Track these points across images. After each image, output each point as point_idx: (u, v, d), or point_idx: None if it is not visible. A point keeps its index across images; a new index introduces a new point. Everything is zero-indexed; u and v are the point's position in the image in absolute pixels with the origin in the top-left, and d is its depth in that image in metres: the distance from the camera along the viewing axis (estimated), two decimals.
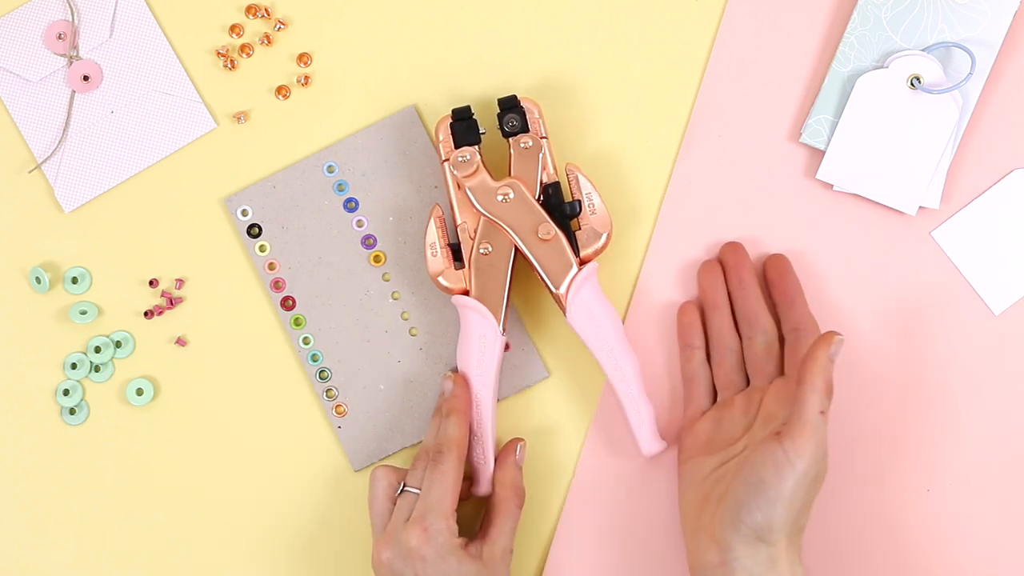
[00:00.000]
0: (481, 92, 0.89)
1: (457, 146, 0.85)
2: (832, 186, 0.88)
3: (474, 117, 0.85)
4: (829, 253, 0.88)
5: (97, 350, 0.89)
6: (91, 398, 0.89)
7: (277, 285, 0.89)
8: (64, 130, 0.90)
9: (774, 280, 0.86)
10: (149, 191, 0.90)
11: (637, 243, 0.89)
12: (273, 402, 0.89)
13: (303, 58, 0.90)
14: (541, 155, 0.85)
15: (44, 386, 0.90)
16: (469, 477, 0.85)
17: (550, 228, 0.83)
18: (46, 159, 0.90)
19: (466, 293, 0.84)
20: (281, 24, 0.90)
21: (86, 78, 0.90)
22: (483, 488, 0.84)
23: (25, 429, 0.89)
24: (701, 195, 0.88)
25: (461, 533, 0.81)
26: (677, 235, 0.88)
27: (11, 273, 0.90)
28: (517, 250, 0.84)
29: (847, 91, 0.87)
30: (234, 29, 0.90)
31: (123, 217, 0.90)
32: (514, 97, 0.85)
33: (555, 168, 0.85)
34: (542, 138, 0.85)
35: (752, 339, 0.84)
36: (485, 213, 0.84)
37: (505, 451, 0.85)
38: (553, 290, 0.83)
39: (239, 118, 0.90)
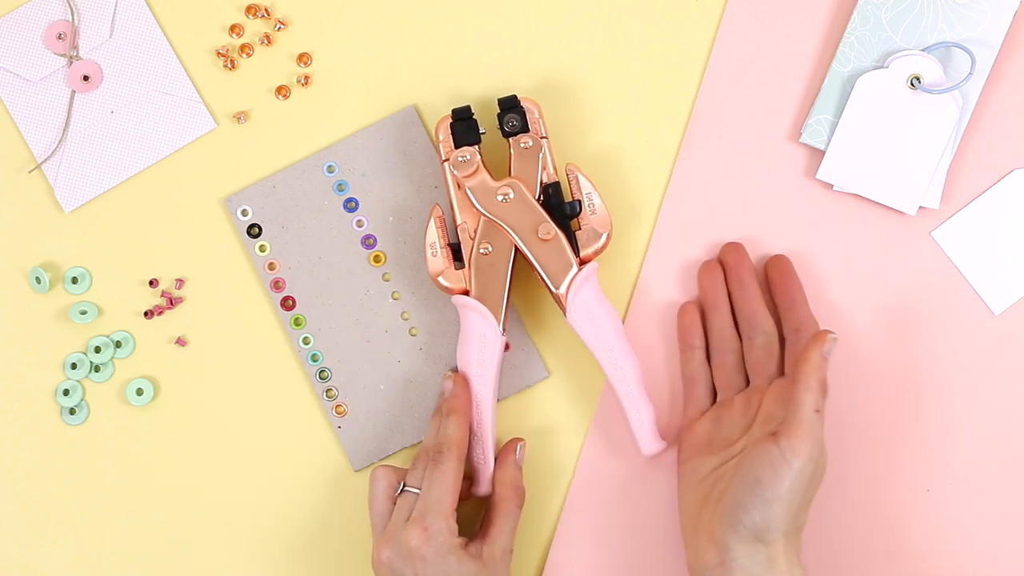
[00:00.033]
0: (481, 92, 0.89)
1: (457, 146, 0.85)
2: (832, 186, 0.88)
3: (474, 117, 0.85)
4: (829, 253, 0.88)
5: (97, 350, 0.89)
6: (91, 398, 0.89)
7: (277, 285, 0.89)
8: (64, 130, 0.90)
9: (775, 281, 0.86)
10: (149, 191, 0.90)
11: (637, 243, 0.89)
12: (273, 402, 0.89)
13: (303, 58, 0.90)
14: (541, 155, 0.85)
15: (44, 386, 0.90)
16: (469, 477, 0.85)
17: (550, 228, 0.83)
18: (46, 159, 0.90)
19: (466, 293, 0.84)
20: (281, 24, 0.90)
21: (86, 78, 0.90)
22: (483, 488, 0.84)
23: (25, 429, 0.89)
24: (701, 195, 0.88)
25: (461, 533, 0.81)
26: (677, 235, 0.88)
27: (11, 273, 0.90)
28: (517, 250, 0.84)
29: (847, 91, 0.87)
30: (234, 29, 0.90)
31: (123, 217, 0.90)
32: (514, 97, 0.85)
33: (555, 168, 0.85)
34: (542, 138, 0.85)
35: (752, 339, 0.84)
36: (485, 213, 0.84)
37: (505, 451, 0.85)
38: (553, 290, 0.83)
39: (239, 118, 0.90)
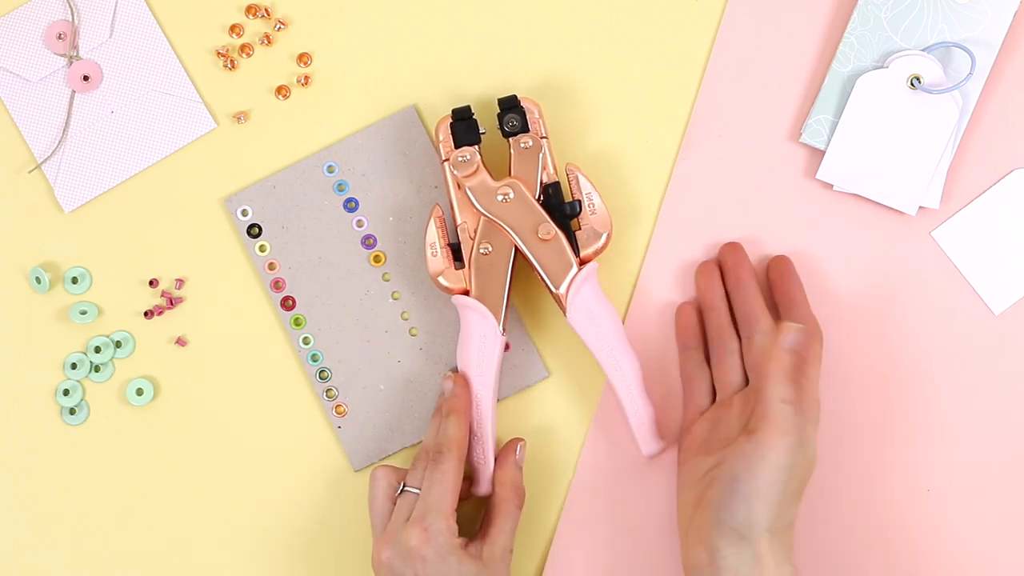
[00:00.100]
0: (481, 92, 0.89)
1: (457, 146, 0.85)
2: (832, 186, 0.88)
3: (474, 117, 0.85)
4: (829, 253, 0.88)
5: (97, 350, 0.89)
6: (91, 398, 0.89)
7: (277, 285, 0.89)
8: (64, 130, 0.90)
9: (775, 280, 0.86)
10: (149, 191, 0.90)
11: (637, 243, 0.89)
12: (273, 402, 0.89)
13: (303, 58, 0.90)
14: (541, 155, 0.85)
15: (44, 386, 0.90)
16: (469, 477, 0.85)
17: (550, 228, 0.83)
18: (46, 159, 0.90)
19: (466, 293, 0.84)
20: (281, 24, 0.90)
21: (86, 78, 0.90)
22: (483, 488, 0.84)
23: (25, 429, 0.89)
24: (701, 195, 0.88)
25: (461, 533, 0.81)
26: (677, 235, 0.88)
27: (11, 273, 0.90)
28: (517, 250, 0.84)
29: (847, 91, 0.87)
30: (234, 29, 0.90)
31: (123, 217, 0.90)
32: (514, 97, 0.85)
33: (555, 168, 0.85)
34: (542, 138, 0.85)
35: (751, 339, 0.84)
36: (485, 213, 0.84)
37: (505, 451, 0.85)
38: (553, 290, 0.83)
39: (239, 118, 0.90)
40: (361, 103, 0.90)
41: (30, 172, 0.90)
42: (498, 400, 0.87)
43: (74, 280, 0.89)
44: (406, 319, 0.88)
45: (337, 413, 0.88)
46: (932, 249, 0.88)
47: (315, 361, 0.88)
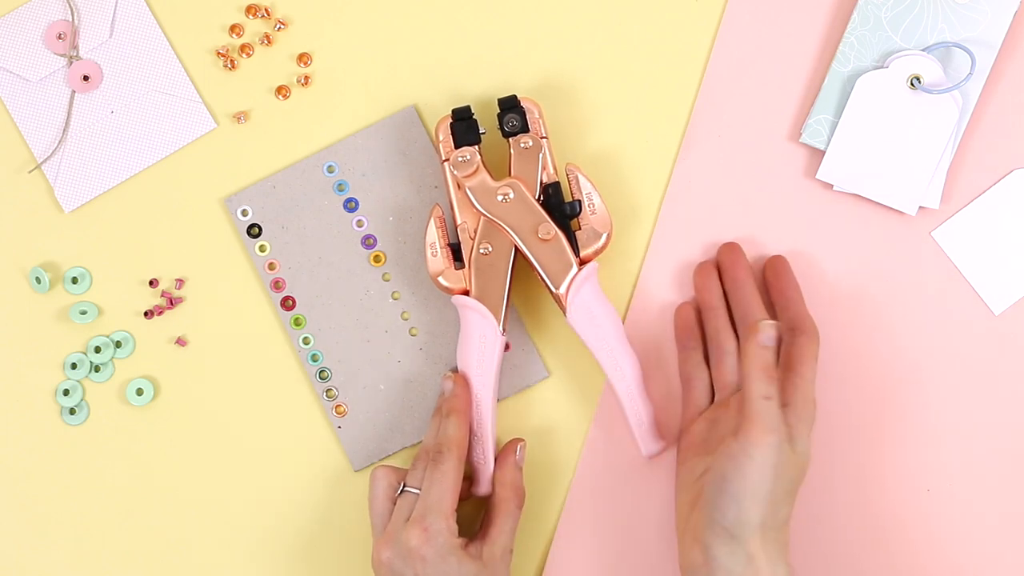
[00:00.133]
0: (481, 92, 0.89)
1: (457, 146, 0.85)
2: (832, 186, 0.88)
3: (474, 117, 0.85)
4: (829, 253, 0.88)
5: (97, 350, 0.89)
6: (91, 398, 0.89)
7: (277, 285, 0.89)
8: (64, 130, 0.90)
9: (771, 281, 0.86)
10: (149, 191, 0.90)
11: (637, 243, 0.89)
12: (273, 402, 0.89)
13: (303, 58, 0.90)
14: (541, 155, 0.85)
15: (44, 386, 0.90)
16: (469, 477, 0.85)
17: (550, 228, 0.83)
18: (46, 159, 0.90)
19: (466, 293, 0.84)
20: (281, 24, 0.90)
21: (86, 78, 0.90)
22: (483, 488, 0.84)
23: (25, 429, 0.89)
24: (701, 195, 0.88)
25: (461, 533, 0.81)
26: (677, 235, 0.88)
27: (11, 273, 0.90)
28: (517, 250, 0.84)
29: (847, 91, 0.87)
30: (234, 29, 0.90)
31: (123, 217, 0.90)
32: (514, 97, 0.85)
33: (555, 168, 0.85)
34: (542, 138, 0.85)
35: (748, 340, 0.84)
36: (485, 213, 0.84)
37: (505, 451, 0.85)
38: (553, 290, 0.83)
39: (239, 118, 0.90)
40: (361, 103, 0.90)
41: (30, 172, 0.90)
42: (498, 400, 0.87)
43: (74, 280, 0.89)
44: (406, 319, 0.88)
45: (337, 413, 0.88)
46: (932, 249, 0.88)
47: (315, 361, 0.88)
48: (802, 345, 0.82)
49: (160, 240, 0.90)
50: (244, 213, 0.89)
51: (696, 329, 0.86)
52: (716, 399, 0.85)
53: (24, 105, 0.90)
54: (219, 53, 0.90)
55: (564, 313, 0.83)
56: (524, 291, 0.88)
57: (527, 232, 0.84)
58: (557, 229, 0.83)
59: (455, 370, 0.86)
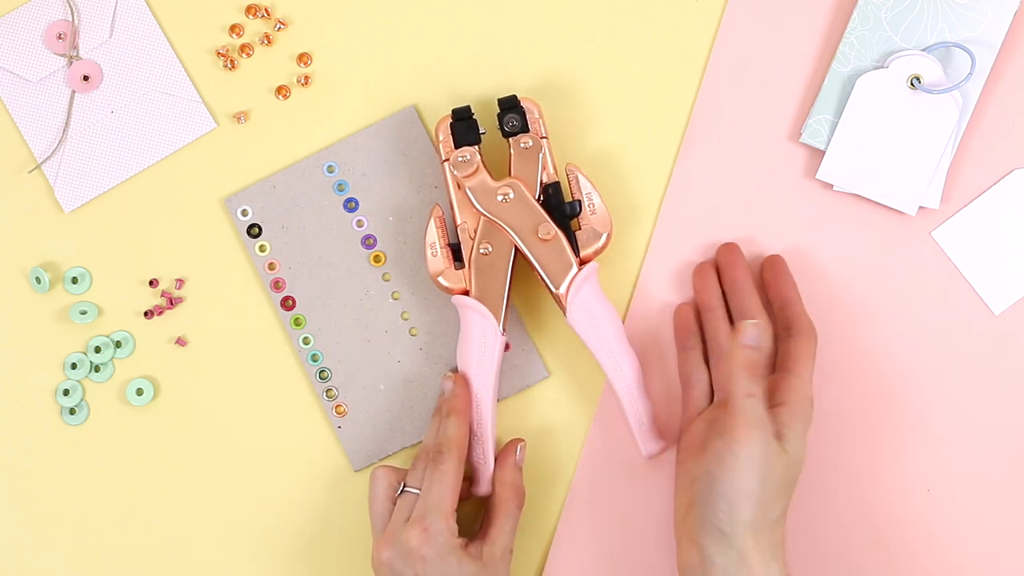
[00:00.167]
0: (481, 92, 0.89)
1: (457, 146, 0.85)
2: (832, 186, 0.88)
3: (474, 117, 0.85)
4: (829, 253, 0.88)
5: (97, 350, 0.89)
6: (91, 398, 0.89)
7: (277, 285, 0.89)
8: (64, 130, 0.90)
9: (769, 281, 0.86)
10: (149, 191, 0.90)
11: (637, 243, 0.89)
12: (273, 402, 0.89)
13: (303, 58, 0.90)
14: (541, 155, 0.85)
15: (44, 386, 0.90)
16: (469, 477, 0.85)
17: (550, 228, 0.83)
18: (46, 159, 0.90)
19: (466, 293, 0.84)
20: (281, 24, 0.90)
21: (86, 78, 0.90)
22: (483, 488, 0.84)
23: (25, 429, 0.89)
24: (701, 195, 0.88)
25: (461, 533, 0.81)
26: (677, 235, 0.88)
27: (11, 273, 0.90)
28: (517, 250, 0.84)
29: (847, 91, 0.87)
30: (234, 29, 0.90)
31: (123, 217, 0.90)
32: (514, 97, 0.85)
33: (555, 168, 0.85)
34: (542, 138, 0.85)
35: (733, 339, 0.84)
36: (485, 213, 0.84)
37: (505, 451, 0.85)
38: (553, 290, 0.83)
39: (239, 118, 0.90)
40: (361, 103, 0.90)
41: (30, 172, 0.90)
42: (498, 400, 0.87)
43: (74, 280, 0.89)
44: (406, 319, 0.88)
45: (337, 413, 0.88)
46: (932, 249, 0.88)
47: (315, 361, 0.88)
48: (799, 344, 0.82)
49: (160, 240, 0.90)
50: (244, 213, 0.89)
51: (695, 329, 0.86)
52: (715, 399, 0.85)
53: (24, 105, 0.90)
54: (219, 53, 0.90)
55: (564, 313, 0.83)
56: (524, 291, 0.88)
57: (527, 232, 0.84)
58: (557, 229, 0.83)
59: (455, 370, 0.86)
